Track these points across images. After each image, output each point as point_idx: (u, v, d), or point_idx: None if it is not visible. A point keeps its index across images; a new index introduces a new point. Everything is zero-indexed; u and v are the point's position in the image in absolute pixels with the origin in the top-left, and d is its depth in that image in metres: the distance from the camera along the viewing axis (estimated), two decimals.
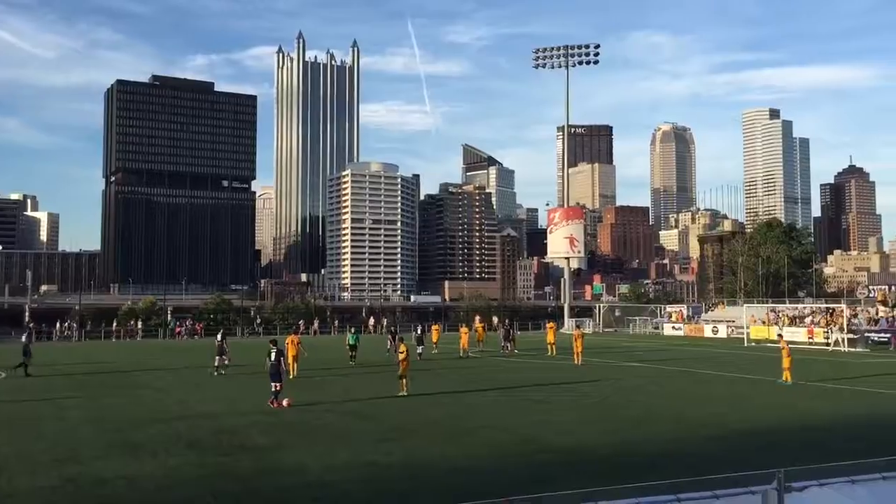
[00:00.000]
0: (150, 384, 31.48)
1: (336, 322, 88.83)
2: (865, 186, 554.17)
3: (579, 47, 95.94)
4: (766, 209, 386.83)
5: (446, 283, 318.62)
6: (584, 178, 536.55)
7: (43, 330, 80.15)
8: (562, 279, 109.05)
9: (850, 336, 50.38)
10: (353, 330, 44.88)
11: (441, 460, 15.42)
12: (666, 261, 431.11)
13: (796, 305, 68.58)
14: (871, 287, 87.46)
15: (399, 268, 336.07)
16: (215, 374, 34.16)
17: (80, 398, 26.74)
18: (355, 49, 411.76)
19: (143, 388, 30.21)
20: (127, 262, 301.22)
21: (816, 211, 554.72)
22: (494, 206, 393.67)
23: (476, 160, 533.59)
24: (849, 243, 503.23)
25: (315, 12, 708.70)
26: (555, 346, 46.05)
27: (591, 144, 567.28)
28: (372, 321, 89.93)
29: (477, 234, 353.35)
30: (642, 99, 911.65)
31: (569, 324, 79.34)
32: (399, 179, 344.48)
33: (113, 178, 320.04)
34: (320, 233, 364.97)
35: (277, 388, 23.62)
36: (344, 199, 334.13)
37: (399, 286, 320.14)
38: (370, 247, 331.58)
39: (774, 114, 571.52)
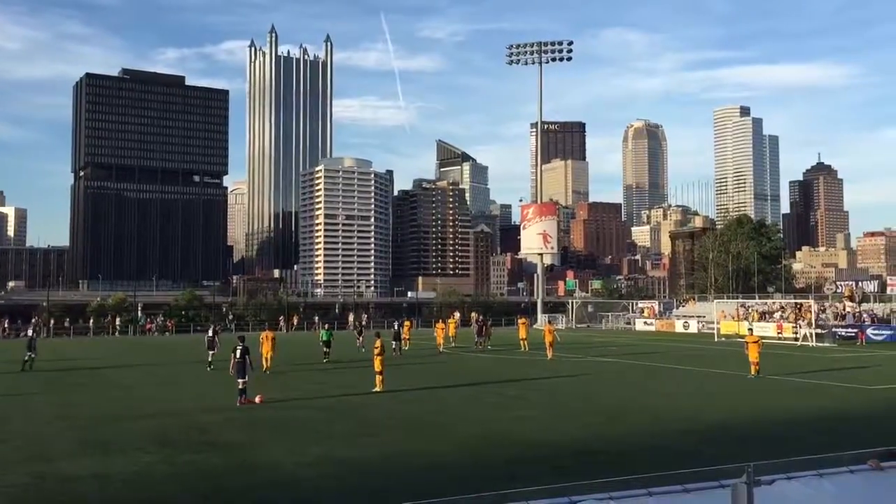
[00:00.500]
0: (121, 381, 31.20)
1: (316, 318, 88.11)
2: (833, 184, 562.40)
3: (553, 44, 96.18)
4: (737, 206, 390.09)
5: (420, 279, 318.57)
6: (558, 175, 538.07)
7: (12, 328, 79.03)
8: (535, 275, 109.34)
9: (818, 331, 51.12)
10: (326, 326, 44.45)
11: (415, 456, 15.42)
12: (638, 257, 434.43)
13: (765, 301, 69.35)
14: (838, 283, 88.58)
15: (372, 264, 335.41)
16: (209, 368, 34.17)
17: (49, 395, 26.43)
18: (328, 44, 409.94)
19: (113, 385, 29.93)
20: (96, 258, 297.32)
21: (785, 208, 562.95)
22: (468, 202, 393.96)
23: (450, 156, 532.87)
24: (817, 240, 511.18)
25: (288, 6, 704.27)
26: (527, 341, 46.17)
27: (564, 141, 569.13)
28: (351, 317, 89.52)
29: (451, 230, 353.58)
30: (615, 96, 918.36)
31: (542, 319, 79.55)
32: (372, 175, 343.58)
33: (82, 173, 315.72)
34: (293, 228, 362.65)
35: (243, 386, 23.32)
36: (317, 194, 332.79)
37: (372, 282, 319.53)
38: (343, 243, 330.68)
39: (745, 111, 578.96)
